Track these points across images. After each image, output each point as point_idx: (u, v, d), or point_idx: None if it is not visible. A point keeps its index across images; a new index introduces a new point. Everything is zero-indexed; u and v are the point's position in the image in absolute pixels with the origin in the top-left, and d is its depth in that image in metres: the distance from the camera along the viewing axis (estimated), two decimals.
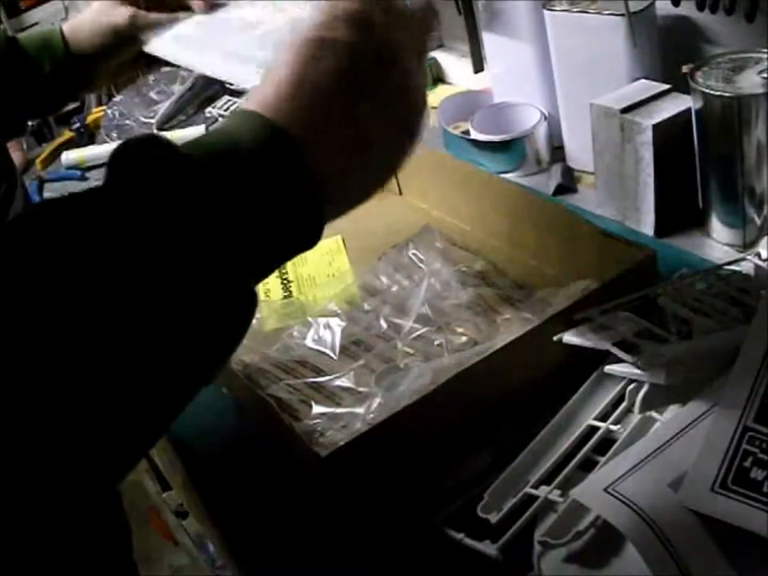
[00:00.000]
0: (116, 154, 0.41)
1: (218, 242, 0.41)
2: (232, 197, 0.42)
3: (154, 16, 0.77)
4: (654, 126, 0.81)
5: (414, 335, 0.78)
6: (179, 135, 1.24)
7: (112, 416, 0.37)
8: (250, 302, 0.43)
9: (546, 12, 0.94)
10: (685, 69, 0.79)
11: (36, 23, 1.76)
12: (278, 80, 0.47)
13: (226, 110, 1.28)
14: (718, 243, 0.84)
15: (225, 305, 0.41)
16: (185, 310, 0.39)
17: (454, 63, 1.29)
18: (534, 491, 0.60)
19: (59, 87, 0.79)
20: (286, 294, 0.92)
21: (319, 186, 0.45)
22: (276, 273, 0.94)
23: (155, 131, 1.21)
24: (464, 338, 0.77)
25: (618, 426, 0.63)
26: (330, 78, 0.47)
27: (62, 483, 0.36)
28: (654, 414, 0.62)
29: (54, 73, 0.78)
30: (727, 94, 0.76)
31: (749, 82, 0.76)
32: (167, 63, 0.77)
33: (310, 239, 0.47)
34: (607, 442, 0.62)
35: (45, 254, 0.36)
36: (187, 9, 0.77)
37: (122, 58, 0.80)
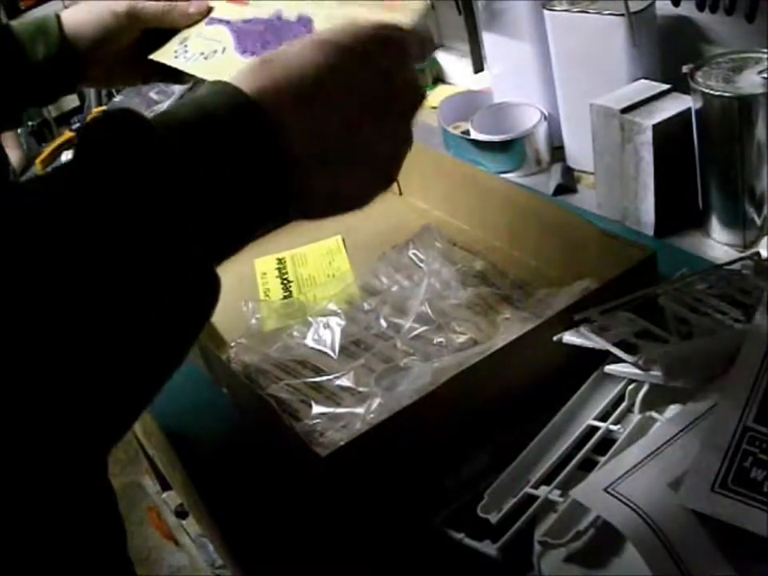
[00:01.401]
0: (85, 130, 0.41)
1: (180, 219, 0.41)
2: (196, 172, 0.42)
3: (151, 4, 0.77)
4: (654, 126, 0.81)
5: (413, 335, 0.78)
6: None
7: (104, 402, 0.38)
8: (213, 282, 0.43)
9: (546, 12, 0.94)
10: (685, 69, 0.79)
11: None
12: (282, 65, 0.47)
13: None
14: (717, 243, 0.84)
15: (186, 283, 0.41)
16: (159, 292, 0.40)
17: (454, 63, 1.29)
18: (534, 491, 0.60)
19: (53, 74, 0.78)
20: (286, 294, 0.92)
21: (288, 168, 0.45)
22: (276, 273, 0.95)
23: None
24: (464, 338, 0.77)
25: (618, 426, 0.63)
26: (345, 83, 0.47)
27: (61, 478, 0.36)
28: (654, 413, 0.62)
29: (47, 58, 0.77)
30: (727, 94, 0.76)
31: (749, 82, 0.77)
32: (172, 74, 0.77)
33: (273, 217, 0.47)
34: (607, 441, 0.62)
35: (26, 247, 0.36)
36: None
37: (119, 44, 0.79)
